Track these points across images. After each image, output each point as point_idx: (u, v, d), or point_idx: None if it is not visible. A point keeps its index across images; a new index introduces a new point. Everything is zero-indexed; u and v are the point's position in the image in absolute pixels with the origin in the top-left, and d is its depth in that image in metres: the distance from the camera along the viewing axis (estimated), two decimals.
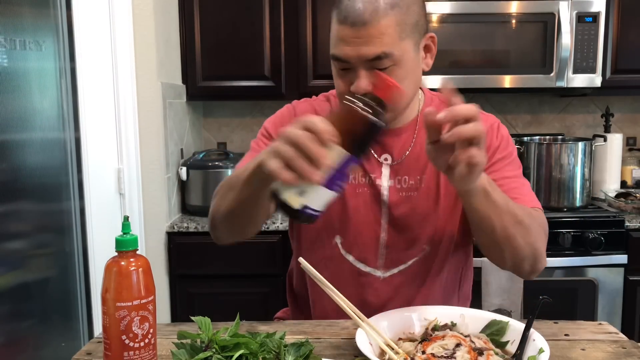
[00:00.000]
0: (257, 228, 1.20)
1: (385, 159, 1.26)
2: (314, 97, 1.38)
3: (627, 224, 2.32)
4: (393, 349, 0.96)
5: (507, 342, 1.00)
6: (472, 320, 1.04)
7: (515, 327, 1.01)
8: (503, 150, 1.27)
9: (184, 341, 0.91)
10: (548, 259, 1.19)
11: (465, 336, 0.96)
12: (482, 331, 1.03)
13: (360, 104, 0.86)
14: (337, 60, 1.14)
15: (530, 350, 0.95)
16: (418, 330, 1.03)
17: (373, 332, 0.98)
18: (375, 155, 1.26)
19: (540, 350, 0.92)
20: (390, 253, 1.26)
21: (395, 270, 1.27)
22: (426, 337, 0.97)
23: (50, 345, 1.96)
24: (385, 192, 1.25)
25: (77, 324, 2.08)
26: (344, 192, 1.24)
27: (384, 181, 1.25)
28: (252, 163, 1.02)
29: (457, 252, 1.32)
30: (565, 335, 1.08)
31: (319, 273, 1.28)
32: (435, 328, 1.02)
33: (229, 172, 2.47)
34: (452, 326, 1.03)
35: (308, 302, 1.36)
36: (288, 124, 1.23)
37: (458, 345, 0.92)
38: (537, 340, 0.96)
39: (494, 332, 1.02)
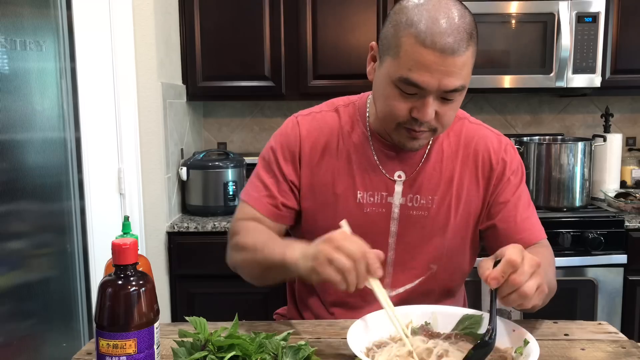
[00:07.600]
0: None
1: (399, 176, 1.23)
2: (317, 107, 1.30)
3: (626, 224, 2.32)
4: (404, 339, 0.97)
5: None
6: (445, 317, 1.04)
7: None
8: (520, 173, 1.27)
9: (184, 339, 0.91)
10: None
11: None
12: (456, 327, 1.03)
13: None
14: (408, 85, 1.05)
15: (507, 337, 0.96)
16: (395, 333, 1.01)
17: (394, 319, 0.99)
18: (388, 175, 1.23)
19: (526, 342, 0.93)
20: (397, 272, 1.26)
21: (401, 290, 1.27)
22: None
23: (50, 345, 1.96)
24: (396, 209, 1.23)
25: (77, 324, 2.08)
26: (355, 211, 1.23)
27: (396, 199, 1.22)
28: (284, 255, 1.06)
29: (464, 268, 1.32)
30: (565, 335, 1.08)
31: (327, 290, 1.29)
32: (413, 331, 1.02)
33: (229, 172, 2.47)
34: (426, 325, 1.04)
35: (305, 300, 1.35)
36: (295, 145, 1.24)
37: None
38: (517, 330, 0.96)
39: (468, 326, 1.02)
